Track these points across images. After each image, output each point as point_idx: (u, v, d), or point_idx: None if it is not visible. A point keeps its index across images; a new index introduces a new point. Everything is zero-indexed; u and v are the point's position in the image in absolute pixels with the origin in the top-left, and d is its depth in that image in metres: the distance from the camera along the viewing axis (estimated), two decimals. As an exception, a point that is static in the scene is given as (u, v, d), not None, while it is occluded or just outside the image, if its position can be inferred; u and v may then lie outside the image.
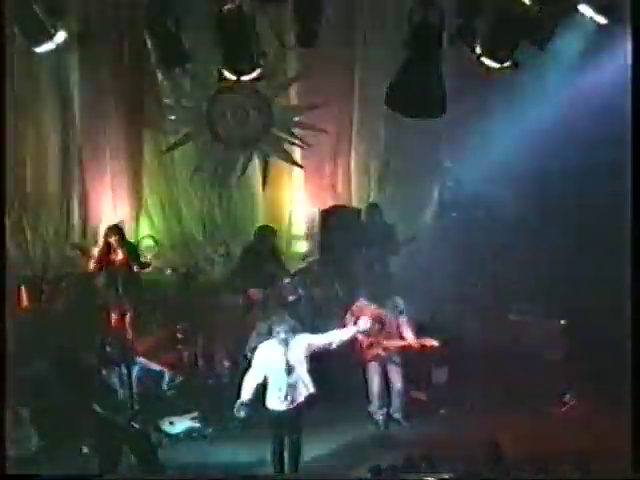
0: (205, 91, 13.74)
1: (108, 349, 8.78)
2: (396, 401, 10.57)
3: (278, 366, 8.93)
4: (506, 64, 9.68)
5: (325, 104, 13.78)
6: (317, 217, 13.93)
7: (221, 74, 10.08)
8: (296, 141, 14.15)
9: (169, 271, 13.43)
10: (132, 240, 12.87)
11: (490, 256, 12.99)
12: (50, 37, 9.93)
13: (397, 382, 10.52)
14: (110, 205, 14.03)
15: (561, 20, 9.71)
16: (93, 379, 8.85)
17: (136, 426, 8.74)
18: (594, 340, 11.17)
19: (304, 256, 14.00)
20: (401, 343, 10.33)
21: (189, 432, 10.34)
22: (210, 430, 10.37)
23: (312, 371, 9.10)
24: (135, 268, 11.96)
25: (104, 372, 8.72)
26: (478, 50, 9.72)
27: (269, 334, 9.20)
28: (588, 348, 11.17)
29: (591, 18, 9.96)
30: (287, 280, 12.00)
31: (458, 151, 13.69)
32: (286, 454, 9.19)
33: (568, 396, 10.78)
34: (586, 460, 8.29)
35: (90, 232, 13.93)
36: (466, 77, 12.00)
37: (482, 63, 9.74)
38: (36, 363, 10.63)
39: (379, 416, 10.55)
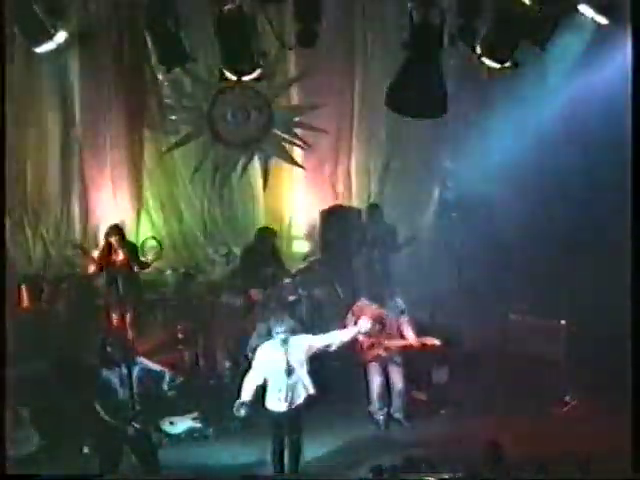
0: (206, 91, 13.75)
1: (109, 349, 8.76)
2: (397, 401, 10.56)
3: (278, 367, 8.92)
4: (506, 64, 9.67)
5: (325, 104, 13.81)
6: (318, 217, 13.93)
7: (222, 74, 10.08)
8: (296, 141, 14.17)
9: (170, 271, 13.44)
10: (133, 240, 12.87)
11: (491, 256, 12.99)
12: (50, 37, 9.95)
13: (398, 382, 10.50)
14: (110, 205, 14.05)
15: (561, 20, 9.71)
16: (93, 379, 8.83)
17: (137, 426, 8.73)
18: (594, 340, 11.17)
19: (305, 256, 14.01)
20: (402, 343, 10.32)
21: (190, 432, 10.33)
22: (211, 430, 10.36)
23: (313, 371, 9.09)
24: (135, 268, 11.95)
25: (104, 372, 8.71)
26: (478, 50, 9.72)
27: (269, 335, 9.19)
28: (588, 348, 11.16)
29: (592, 18, 9.96)
30: (288, 280, 11.99)
31: (458, 151, 13.71)
32: (286, 454, 9.19)
33: (569, 396, 10.77)
34: (586, 460, 8.29)
35: (90, 232, 13.95)
36: (466, 77, 12.03)
37: (482, 63, 9.74)
38: (36, 363, 10.63)
39: (380, 416, 10.54)
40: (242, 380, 9.04)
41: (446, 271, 13.24)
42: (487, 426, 9.94)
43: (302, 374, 8.98)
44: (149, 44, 11.08)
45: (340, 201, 14.27)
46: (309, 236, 14.41)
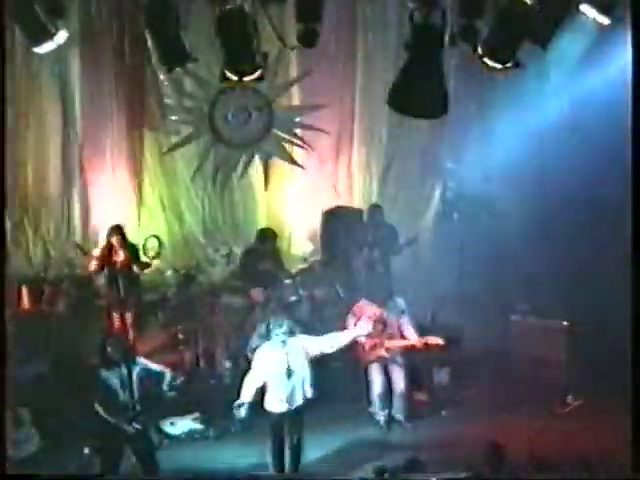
0: (206, 91, 13.74)
1: (109, 349, 8.75)
2: (398, 402, 10.55)
3: (278, 369, 8.91)
4: (508, 64, 9.64)
5: (326, 104, 13.81)
6: (318, 218, 13.91)
7: (222, 74, 10.05)
8: (297, 141, 14.16)
9: (170, 272, 13.42)
10: (133, 240, 12.86)
11: (492, 256, 12.99)
12: (51, 37, 9.88)
13: (399, 383, 10.49)
14: (111, 205, 14.03)
15: (563, 20, 9.68)
16: (94, 380, 8.82)
17: (137, 426, 8.72)
18: (595, 340, 11.16)
19: (305, 257, 13.98)
20: (405, 343, 10.30)
21: (190, 433, 10.32)
22: (211, 431, 10.34)
23: (313, 372, 9.08)
24: (136, 269, 11.94)
25: (104, 372, 8.70)
26: (480, 50, 9.69)
27: (269, 335, 9.18)
28: (589, 348, 11.15)
29: (593, 18, 9.93)
30: (288, 281, 11.99)
31: (460, 151, 13.72)
32: (287, 455, 9.17)
33: (570, 397, 10.75)
34: (586, 460, 8.29)
35: (91, 232, 13.94)
36: (468, 77, 12.02)
37: (484, 63, 9.71)
38: (36, 363, 10.62)
39: (381, 417, 10.53)
40: (242, 381, 9.04)
41: (447, 271, 13.23)
42: (488, 427, 9.92)
43: (301, 376, 8.97)
44: (149, 44, 11.01)
45: (341, 201, 14.26)
46: (310, 237, 14.39)
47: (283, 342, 8.88)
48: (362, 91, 14.15)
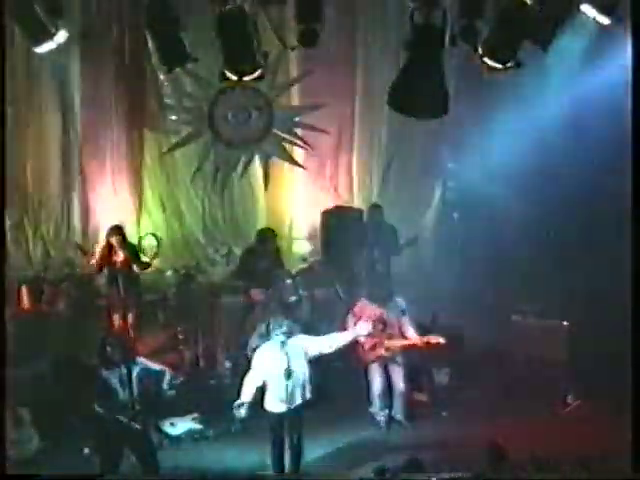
0: (206, 91, 13.75)
1: (109, 349, 8.74)
2: (398, 402, 10.54)
3: (277, 369, 8.90)
4: (509, 64, 9.64)
5: (326, 104, 13.80)
6: (318, 218, 13.91)
7: (222, 74, 10.06)
8: (297, 141, 14.16)
9: (170, 272, 13.42)
10: (133, 240, 12.86)
11: (492, 256, 12.99)
12: (51, 37, 9.90)
13: (399, 383, 10.47)
14: (111, 205, 14.04)
15: (563, 20, 9.68)
16: (93, 379, 8.81)
17: (137, 426, 8.71)
18: (595, 340, 11.16)
19: (306, 257, 13.98)
20: (406, 342, 10.30)
21: (190, 433, 10.31)
22: (211, 431, 10.34)
23: (314, 372, 9.08)
24: (136, 268, 11.93)
25: (104, 372, 8.70)
26: (480, 50, 9.69)
27: (269, 335, 9.17)
28: (589, 348, 11.15)
29: (593, 18, 9.94)
30: (288, 281, 11.98)
31: (460, 151, 13.72)
32: (287, 455, 9.17)
33: (571, 397, 10.75)
34: (586, 460, 8.28)
35: (91, 232, 13.95)
36: (468, 77, 12.01)
37: (484, 63, 9.71)
38: (36, 363, 10.62)
39: (381, 417, 10.52)
40: (242, 381, 9.04)
41: (447, 271, 13.24)
42: (488, 427, 9.91)
43: (301, 376, 8.96)
44: (149, 44, 11.04)
45: (341, 201, 14.28)
46: (310, 236, 14.40)
47: (283, 342, 8.87)
48: (362, 91, 14.17)
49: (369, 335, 9.82)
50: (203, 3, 9.97)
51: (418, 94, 9.74)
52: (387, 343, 10.28)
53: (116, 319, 11.80)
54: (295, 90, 14.14)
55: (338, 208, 13.87)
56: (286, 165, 14.32)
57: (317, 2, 9.74)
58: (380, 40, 13.70)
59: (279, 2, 10.24)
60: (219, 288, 12.76)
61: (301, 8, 9.75)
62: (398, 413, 10.56)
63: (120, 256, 11.67)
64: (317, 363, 9.22)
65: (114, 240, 11.68)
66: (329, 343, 9.23)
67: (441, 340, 10.17)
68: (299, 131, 14.13)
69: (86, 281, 12.58)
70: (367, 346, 10.25)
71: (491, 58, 9.69)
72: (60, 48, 10.21)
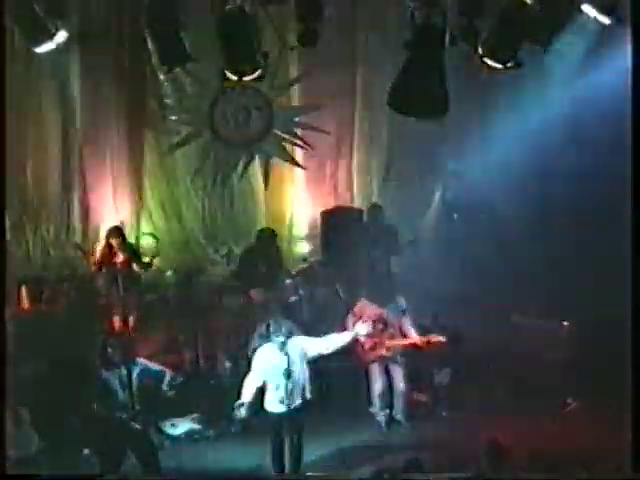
0: (206, 91, 13.73)
1: (109, 350, 8.74)
2: (398, 402, 10.54)
3: (277, 370, 8.90)
4: (509, 64, 9.64)
5: (326, 104, 13.80)
6: (318, 218, 13.90)
7: (222, 74, 10.05)
8: (297, 141, 14.14)
9: (170, 272, 13.42)
10: (133, 240, 12.86)
11: (492, 256, 12.98)
12: (50, 37, 9.91)
13: (399, 383, 10.48)
14: (111, 206, 14.04)
15: (564, 20, 9.68)
16: (93, 380, 8.81)
17: (137, 427, 8.71)
18: (595, 340, 11.15)
19: (306, 257, 13.98)
20: (407, 341, 10.29)
21: (190, 433, 10.31)
22: (211, 432, 10.33)
23: (314, 373, 9.08)
24: (137, 269, 11.93)
25: (104, 373, 8.69)
26: (480, 50, 9.69)
27: (269, 336, 9.17)
28: (589, 348, 11.15)
29: (594, 18, 9.94)
30: (288, 281, 11.98)
31: (460, 152, 13.71)
32: (287, 455, 9.17)
33: (571, 398, 10.74)
34: (586, 460, 8.28)
35: (90, 232, 13.94)
36: (468, 77, 12.00)
37: (485, 63, 9.71)
38: (36, 363, 10.61)
39: (381, 417, 10.53)
40: (242, 381, 9.03)
41: (447, 272, 13.22)
42: (488, 427, 9.91)
43: (300, 377, 8.97)
44: (149, 44, 11.05)
45: (341, 202, 14.27)
46: (310, 237, 14.39)
47: (283, 343, 8.88)
48: (362, 91, 14.15)
49: (369, 335, 9.83)
50: (203, 3, 9.98)
51: (418, 94, 9.73)
52: (388, 343, 10.28)
53: (116, 319, 11.80)
54: (295, 90, 14.12)
55: (338, 208, 13.86)
56: (286, 165, 14.30)
57: (317, 2, 9.75)
58: (380, 40, 13.68)
59: (279, 2, 10.23)
60: (219, 288, 12.75)
61: (301, 8, 9.76)
62: (398, 413, 10.56)
63: (120, 257, 11.67)
64: (318, 363, 9.22)
65: (114, 242, 11.69)
66: (328, 344, 9.23)
67: (442, 339, 10.18)
68: (299, 131, 14.11)
69: (86, 281, 12.57)
70: (367, 346, 10.26)
71: (491, 58, 9.69)
72: (60, 48, 10.22)
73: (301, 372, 8.97)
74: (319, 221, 13.90)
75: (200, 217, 14.52)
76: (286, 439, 9.12)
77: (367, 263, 12.15)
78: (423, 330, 10.44)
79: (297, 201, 14.53)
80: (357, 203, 14.19)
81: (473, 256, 13.12)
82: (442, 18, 9.39)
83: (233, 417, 9.09)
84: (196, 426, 10.35)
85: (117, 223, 12.87)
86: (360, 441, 10.15)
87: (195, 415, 10.44)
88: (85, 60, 13.43)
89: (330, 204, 14.03)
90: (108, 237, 11.82)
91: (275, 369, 8.90)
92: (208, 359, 11.54)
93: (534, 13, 9.36)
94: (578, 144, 12.40)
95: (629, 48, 9.13)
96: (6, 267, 8.76)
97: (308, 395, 9.03)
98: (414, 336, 10.26)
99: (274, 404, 8.98)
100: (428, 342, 10.20)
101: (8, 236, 12.44)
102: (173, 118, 14.01)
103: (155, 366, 9.14)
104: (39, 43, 10.02)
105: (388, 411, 10.53)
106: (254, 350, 9.43)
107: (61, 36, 10.02)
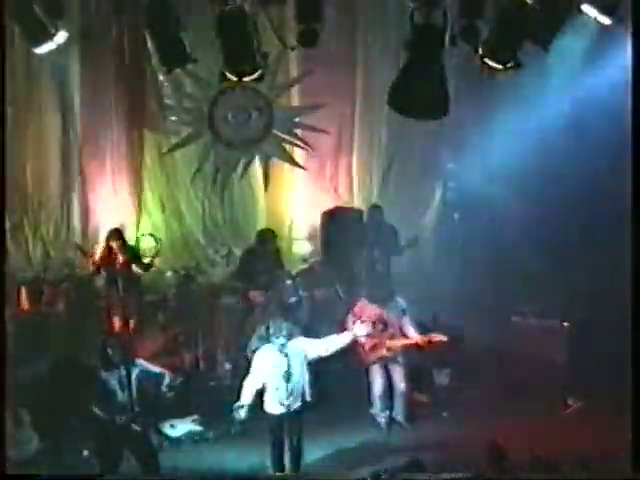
0: (206, 92, 13.74)
1: (109, 351, 8.73)
2: (399, 403, 10.53)
3: (276, 371, 8.89)
4: (509, 64, 9.63)
5: (326, 105, 13.79)
6: (318, 218, 13.89)
7: (222, 75, 10.05)
8: (297, 142, 14.15)
9: (170, 272, 13.40)
10: (133, 242, 12.85)
11: (492, 257, 12.98)
12: (50, 37, 9.89)
13: (400, 384, 10.47)
14: (111, 206, 14.03)
15: (564, 20, 9.67)
16: (93, 381, 8.80)
17: (137, 428, 8.70)
18: (595, 341, 11.15)
19: (305, 257, 13.97)
20: (407, 341, 10.28)
21: (190, 435, 10.30)
22: (211, 433, 10.32)
23: (314, 374, 9.07)
24: (138, 269, 11.92)
25: (104, 374, 8.68)
26: (480, 51, 9.68)
27: (269, 337, 9.16)
28: (589, 348, 11.15)
29: (594, 18, 9.93)
30: (288, 282, 11.97)
31: (460, 152, 13.70)
32: (286, 456, 9.16)
33: (571, 399, 10.74)
34: (586, 460, 8.28)
35: (90, 233, 13.94)
36: (468, 78, 12.01)
37: (485, 63, 9.70)
38: (36, 364, 10.61)
39: (381, 418, 10.52)
40: (242, 382, 9.03)
41: (447, 272, 13.22)
42: (489, 427, 9.90)
43: (300, 379, 8.96)
44: (149, 44, 11.05)
45: (341, 202, 14.26)
46: (310, 237, 14.38)
47: (282, 345, 8.87)
48: (362, 91, 14.15)
49: (369, 335, 9.82)
50: (203, 3, 9.96)
51: (418, 94, 9.72)
52: (388, 343, 10.27)
53: (116, 320, 11.79)
54: (295, 90, 14.12)
55: (338, 209, 13.85)
56: (286, 166, 14.30)
57: (317, 2, 9.73)
58: (380, 40, 13.68)
59: (279, 2, 10.23)
60: (219, 289, 12.74)
61: (301, 8, 9.74)
62: (399, 414, 10.55)
63: (120, 259, 11.66)
64: (318, 364, 9.21)
65: (114, 244, 11.68)
66: (328, 345, 9.21)
67: (443, 338, 10.16)
68: (299, 132, 14.12)
69: (86, 282, 12.56)
70: (368, 347, 10.24)
71: (491, 58, 9.68)
72: (60, 48, 10.20)
73: (301, 374, 8.96)
74: (319, 222, 13.88)
75: (200, 218, 14.52)
76: (286, 441, 9.11)
77: (367, 263, 12.14)
78: (423, 330, 10.43)
79: (297, 202, 14.53)
80: (357, 204, 14.18)
81: (473, 256, 13.13)
82: (442, 18, 9.37)
83: (233, 419, 9.08)
84: (196, 427, 10.34)
85: (117, 224, 12.84)
86: (360, 442, 10.13)
87: (195, 416, 10.43)
88: (85, 60, 13.44)
89: (330, 204, 14.02)
90: (108, 239, 11.81)
91: (275, 371, 8.88)
92: (208, 360, 11.54)
93: (534, 13, 9.35)
94: (578, 144, 12.40)
95: (629, 48, 9.13)
96: (6, 267, 8.77)
97: (308, 397, 9.02)
98: (415, 336, 10.25)
99: (274, 406, 8.97)
100: (429, 342, 10.18)
101: (8, 237, 12.46)
102: (173, 118, 14.02)
103: (154, 368, 9.13)
104: (39, 43, 10.00)
105: (388, 412, 10.51)
106: (254, 352, 9.42)
107: (61, 36, 10.00)
